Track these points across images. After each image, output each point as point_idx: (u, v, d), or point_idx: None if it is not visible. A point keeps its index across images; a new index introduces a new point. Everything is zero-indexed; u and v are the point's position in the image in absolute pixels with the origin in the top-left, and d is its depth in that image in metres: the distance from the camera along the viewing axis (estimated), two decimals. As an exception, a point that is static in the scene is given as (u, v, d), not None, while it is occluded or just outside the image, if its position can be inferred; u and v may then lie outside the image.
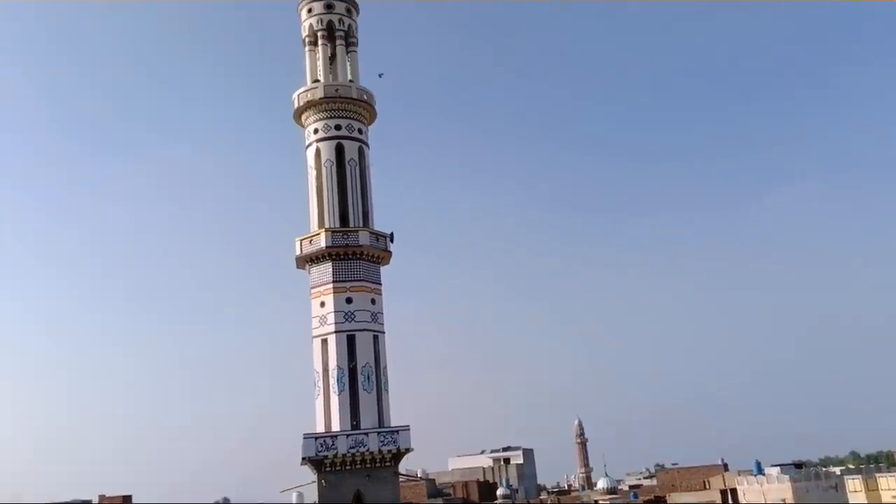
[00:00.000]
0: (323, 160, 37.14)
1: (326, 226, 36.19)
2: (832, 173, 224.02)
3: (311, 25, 39.14)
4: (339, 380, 34.71)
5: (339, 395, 34.62)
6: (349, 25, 39.45)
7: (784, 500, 61.23)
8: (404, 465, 39.36)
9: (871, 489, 57.46)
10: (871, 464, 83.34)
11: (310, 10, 39.19)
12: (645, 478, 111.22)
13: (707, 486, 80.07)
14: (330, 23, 39.00)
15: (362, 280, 35.78)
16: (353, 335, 35.04)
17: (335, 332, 35.00)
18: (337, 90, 37.77)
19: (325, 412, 35.01)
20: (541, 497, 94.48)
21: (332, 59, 39.48)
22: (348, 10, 39.48)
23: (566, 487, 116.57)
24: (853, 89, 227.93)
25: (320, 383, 35.25)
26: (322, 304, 35.54)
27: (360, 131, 38.12)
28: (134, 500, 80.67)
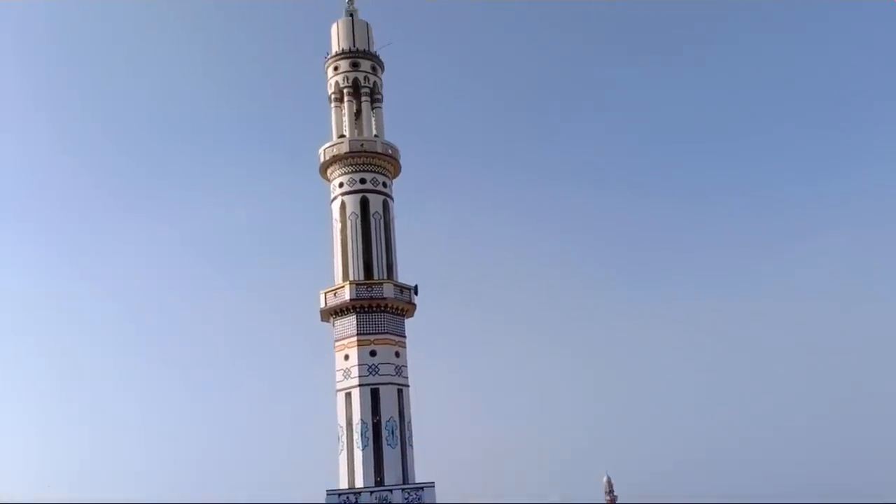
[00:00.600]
0: (348, 213, 37.54)
1: (351, 278, 36.34)
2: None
3: (337, 83, 40.11)
4: (362, 434, 34.28)
5: (362, 450, 34.15)
6: (374, 82, 40.35)
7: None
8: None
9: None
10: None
11: (336, 69, 40.22)
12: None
13: (745, 550, 76.86)
14: (356, 80, 39.93)
15: (386, 333, 35.67)
16: (377, 389, 34.75)
17: (359, 385, 34.77)
18: (362, 145, 38.42)
19: (348, 468, 34.52)
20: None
21: (357, 114, 40.31)
22: (373, 68, 40.43)
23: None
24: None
25: (343, 438, 34.86)
26: (346, 358, 35.43)
27: (384, 185, 38.58)
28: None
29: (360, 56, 40.06)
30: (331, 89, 40.46)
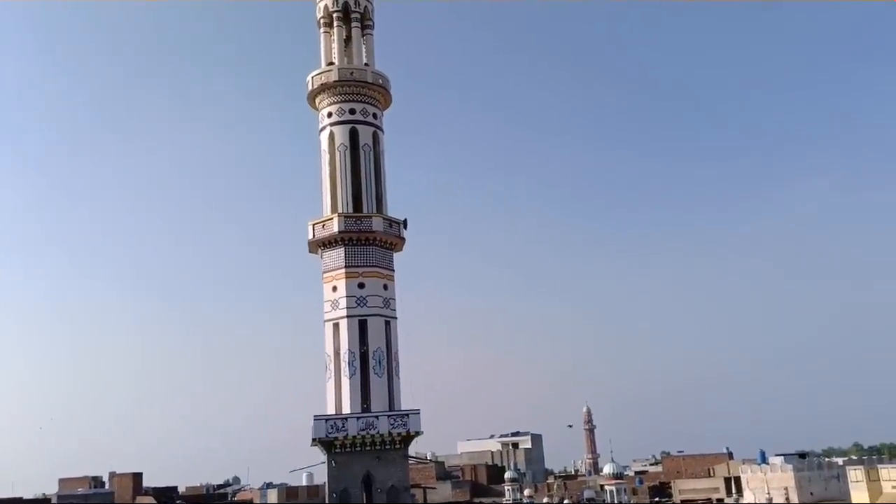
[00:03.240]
0: (337, 144, 37.07)
1: (340, 211, 36.21)
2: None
3: (326, 6, 38.89)
4: (350, 363, 34.90)
5: (350, 378, 34.84)
6: (365, 7, 39.18)
7: (786, 488, 61.46)
8: (414, 448, 39.80)
9: (873, 479, 57.68)
10: (874, 455, 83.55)
11: (325, -8, 38.87)
12: (651, 464, 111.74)
13: (711, 474, 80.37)
14: (346, 4, 38.73)
15: (375, 266, 35.85)
16: (365, 320, 35.18)
17: (347, 316, 35.15)
18: (352, 73, 37.62)
19: (335, 395, 35.24)
20: (548, 481, 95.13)
21: (347, 41, 39.29)
22: (365, -8, 39.16)
23: (573, 472, 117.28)
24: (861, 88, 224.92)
25: (331, 367, 35.47)
26: (334, 289, 35.66)
27: (374, 116, 37.99)
28: (144, 478, 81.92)
29: (350, -22, 38.66)
30: (320, 13, 39.24)
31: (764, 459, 69.22)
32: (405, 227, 37.23)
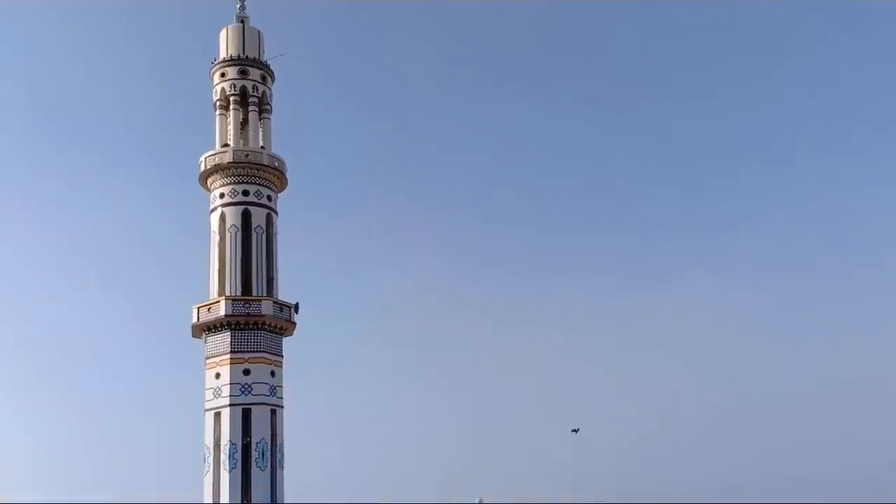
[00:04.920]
0: (227, 226, 36.32)
1: (227, 293, 35.13)
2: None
3: (223, 90, 38.77)
4: (230, 456, 33.14)
5: (230, 472, 33.01)
6: (263, 92, 39.29)
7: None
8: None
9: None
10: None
11: (223, 75, 38.84)
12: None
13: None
14: (244, 88, 38.76)
15: (262, 351, 34.70)
16: (249, 409, 33.73)
17: (230, 404, 33.63)
18: (247, 155, 37.32)
19: (213, 490, 33.29)
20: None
21: (244, 124, 39.16)
22: (263, 78, 39.36)
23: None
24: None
25: (210, 459, 33.61)
26: (217, 376, 34.20)
27: (269, 198, 37.61)
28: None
29: (249, 64, 38.90)
30: (216, 96, 39.08)
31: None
32: (296, 311, 36.45)
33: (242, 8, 40.11)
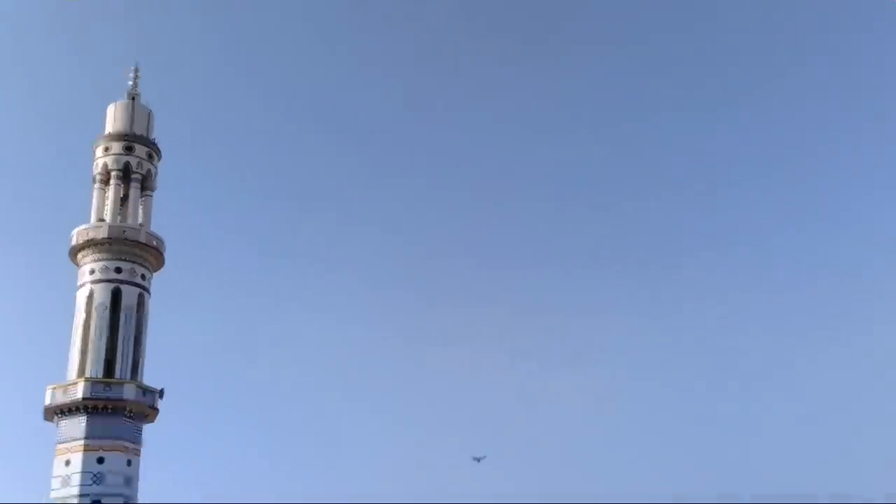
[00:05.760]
0: (95, 304, 34.86)
1: (87, 375, 33.34)
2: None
3: (105, 164, 37.92)
4: (74, 554, 30.56)
5: (70, 571, 30.34)
6: (148, 170, 38.71)
7: None
8: None
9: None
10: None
11: (107, 149, 38.07)
12: None
13: None
14: (127, 164, 38.06)
15: (120, 439, 32.86)
16: (99, 501, 31.54)
17: (79, 495, 31.42)
18: (124, 232, 36.32)
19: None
20: None
21: (123, 200, 38.18)
22: (150, 155, 38.88)
23: None
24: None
25: (49, 558, 30.79)
26: (67, 463, 32.00)
27: (143, 277, 36.50)
28: None
29: (135, 140, 38.41)
30: (97, 170, 38.10)
31: None
32: (161, 397, 34.93)
33: (135, 85, 39.92)
